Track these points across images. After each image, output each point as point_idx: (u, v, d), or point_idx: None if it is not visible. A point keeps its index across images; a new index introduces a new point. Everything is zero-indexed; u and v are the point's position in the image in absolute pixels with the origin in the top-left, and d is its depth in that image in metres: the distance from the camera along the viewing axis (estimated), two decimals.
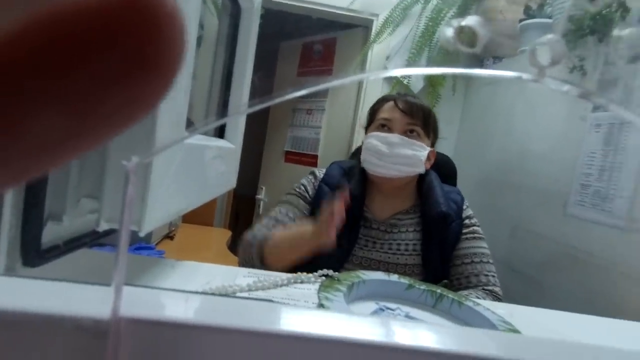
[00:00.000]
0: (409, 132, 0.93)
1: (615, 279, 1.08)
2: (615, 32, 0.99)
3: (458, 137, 2.14)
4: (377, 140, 0.92)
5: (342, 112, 2.27)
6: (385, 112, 0.95)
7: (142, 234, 0.27)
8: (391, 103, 0.95)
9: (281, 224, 0.93)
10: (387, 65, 2.10)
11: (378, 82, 2.12)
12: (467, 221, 0.96)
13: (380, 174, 0.93)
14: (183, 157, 0.33)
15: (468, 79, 2.09)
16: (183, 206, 0.37)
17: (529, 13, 1.69)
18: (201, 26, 0.53)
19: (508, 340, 0.20)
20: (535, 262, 1.41)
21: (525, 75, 0.15)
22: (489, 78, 1.96)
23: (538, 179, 1.46)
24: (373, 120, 0.98)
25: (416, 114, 0.93)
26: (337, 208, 0.72)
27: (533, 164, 1.50)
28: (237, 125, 0.59)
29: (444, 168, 1.18)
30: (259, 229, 0.92)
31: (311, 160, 2.38)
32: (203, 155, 0.40)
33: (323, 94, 2.43)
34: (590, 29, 1.36)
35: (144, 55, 0.08)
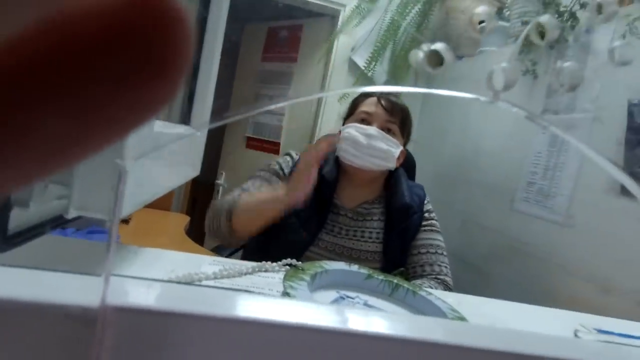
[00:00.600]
0: (387, 129, 0.96)
1: (552, 270, 1.18)
2: (558, 64, 1.09)
3: (417, 131, 2.20)
4: (355, 131, 0.95)
5: (306, 101, 2.27)
6: (367, 106, 0.98)
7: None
8: (374, 99, 0.99)
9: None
10: (352, 56, 2.12)
11: (343, 73, 2.14)
12: (427, 214, 1.02)
13: (355, 165, 0.96)
14: (150, 144, 0.33)
15: (429, 74, 2.15)
16: (151, 194, 0.37)
17: (489, 16, 1.76)
18: None
19: (454, 327, 0.22)
20: (483, 253, 1.50)
21: (482, 98, 0.16)
22: (450, 76, 2.02)
23: (489, 176, 1.54)
24: (353, 113, 1.01)
25: (396, 113, 0.96)
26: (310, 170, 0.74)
27: (485, 161, 1.59)
28: (202, 111, 0.58)
29: (405, 162, 1.22)
30: (228, 197, 0.92)
31: (273, 147, 2.37)
32: (169, 140, 0.40)
33: (286, 80, 2.42)
34: (542, 35, 1.45)
35: (152, 59, 0.08)
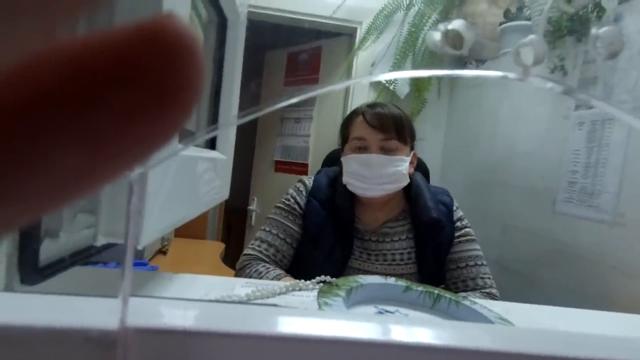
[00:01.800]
0: (386, 148, 0.91)
1: (605, 273, 1.10)
2: (593, 31, 1.02)
3: (445, 140, 2.16)
4: (356, 164, 0.91)
5: (330, 119, 2.29)
6: (358, 130, 0.93)
7: (140, 247, 0.27)
8: (361, 119, 0.93)
9: (272, 247, 0.94)
10: (373, 71, 2.12)
11: (364, 88, 2.14)
12: (458, 224, 0.97)
13: (366, 196, 0.93)
14: (177, 168, 0.33)
15: (453, 82, 2.12)
16: (179, 218, 0.37)
17: (508, 16, 1.73)
18: (202, 26, 0.54)
19: (502, 333, 0.21)
20: (527, 259, 1.42)
21: (511, 75, 0.15)
22: (474, 80, 1.98)
23: (526, 178, 1.48)
24: (347, 139, 0.97)
25: (388, 127, 0.90)
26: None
27: (520, 163, 1.53)
28: (227, 136, 0.59)
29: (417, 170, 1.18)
30: (250, 252, 0.93)
31: (301, 168, 2.38)
32: (196, 166, 0.40)
33: (310, 102, 2.44)
34: (568, 30, 1.40)
35: (163, 91, 0.08)
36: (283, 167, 2.51)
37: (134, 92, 0.07)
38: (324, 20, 2.13)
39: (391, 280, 0.48)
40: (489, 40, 1.86)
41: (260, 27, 2.17)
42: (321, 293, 0.40)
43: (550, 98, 1.43)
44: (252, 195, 2.64)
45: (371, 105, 0.95)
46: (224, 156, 0.56)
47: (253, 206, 2.59)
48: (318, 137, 2.37)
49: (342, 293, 0.40)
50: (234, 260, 1.39)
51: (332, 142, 2.26)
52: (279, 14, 2.11)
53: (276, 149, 2.55)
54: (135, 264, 0.90)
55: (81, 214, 0.28)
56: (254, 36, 2.03)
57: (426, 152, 1.45)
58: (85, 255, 0.29)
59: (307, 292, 0.47)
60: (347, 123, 0.98)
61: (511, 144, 1.59)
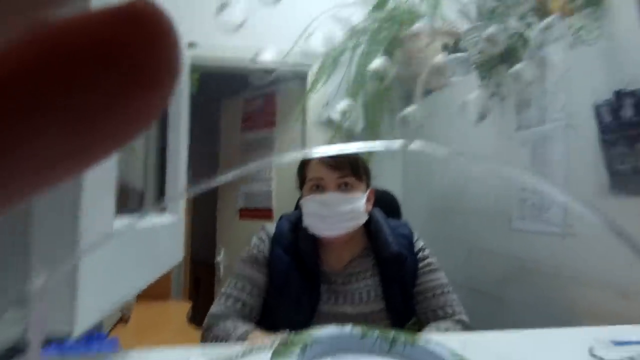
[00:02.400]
0: (343, 186, 0.93)
1: (564, 284, 1.14)
2: (510, 71, 1.13)
3: (403, 170, 2.23)
4: (314, 204, 0.93)
5: (291, 161, 2.31)
6: (314, 171, 0.95)
7: (75, 336, 0.26)
8: (316, 160, 0.95)
9: (239, 301, 0.92)
10: (327, 111, 2.18)
11: (321, 127, 2.19)
12: (420, 254, 0.99)
13: (326, 236, 0.94)
14: (115, 243, 0.32)
15: (405, 116, 2.21)
16: (123, 294, 0.36)
17: (447, 49, 1.85)
18: None
19: None
20: (493, 279, 1.46)
21: (395, 144, 0.17)
22: (425, 111, 2.07)
23: (483, 200, 1.54)
24: (304, 181, 0.99)
25: (343, 165, 0.92)
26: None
27: (475, 187, 1.59)
28: (176, 194, 0.59)
29: (386, 203, 1.21)
30: (215, 311, 0.91)
31: (266, 214, 2.37)
32: (140, 235, 0.40)
33: (269, 145, 2.47)
34: (500, 58, 1.51)
35: (144, 72, 0.08)
36: (248, 214, 2.48)
37: (114, 71, 0.08)
38: (274, 67, 2.19)
39: (347, 329, 0.48)
40: (433, 73, 1.97)
41: (215, 76, 2.20)
42: (275, 354, 0.39)
43: (495, 120, 1.52)
44: (219, 246, 2.59)
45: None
46: (173, 218, 0.56)
47: (220, 257, 2.52)
48: (280, 180, 2.38)
49: (297, 350, 0.40)
50: (203, 317, 1.35)
51: (295, 184, 2.28)
52: (230, 64, 2.16)
53: (239, 196, 2.54)
54: (92, 339, 0.85)
55: (11, 309, 0.27)
56: (209, 85, 2.05)
57: (387, 184, 1.49)
58: (19, 352, 0.27)
59: (265, 353, 0.46)
60: (303, 166, 1.00)
61: (464, 168, 1.66)
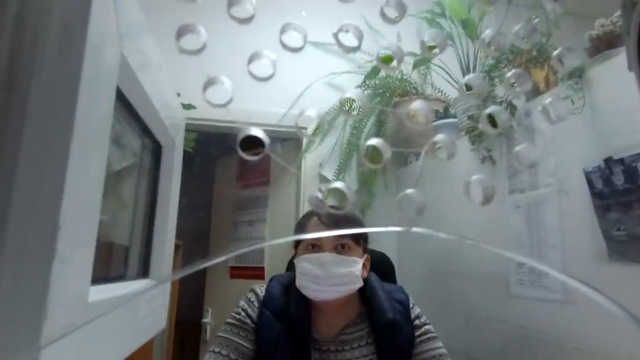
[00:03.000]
0: (340, 248, 0.91)
1: (570, 355, 1.08)
2: (514, 149, 1.16)
3: (398, 233, 2.21)
4: (309, 264, 0.90)
5: (283, 220, 2.29)
6: (313, 231, 0.94)
7: None
8: (315, 220, 0.95)
9: None
10: (321, 171, 2.20)
11: (314, 186, 2.20)
12: (417, 322, 0.95)
13: (319, 299, 0.90)
14: (87, 317, 0.30)
15: (399, 174, 2.24)
16: None
17: (437, 115, 1.92)
18: (133, 154, 0.54)
19: None
20: (492, 347, 1.39)
21: (396, 229, 0.16)
22: (419, 173, 2.10)
23: (479, 264, 1.51)
24: (301, 240, 0.97)
25: (343, 227, 0.91)
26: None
27: (471, 250, 1.57)
28: (162, 260, 0.56)
29: (381, 266, 1.18)
30: None
31: (258, 272, 2.30)
32: (117, 308, 0.37)
33: (263, 204, 2.46)
34: (490, 124, 1.56)
35: None
36: (238, 272, 2.41)
37: None
38: (271, 128, 2.24)
39: None
40: (422, 137, 2.02)
41: (211, 136, 2.24)
42: None
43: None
44: (207, 306, 2.48)
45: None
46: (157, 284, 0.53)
47: (208, 318, 2.41)
48: (272, 238, 2.34)
49: None
50: None
51: (285, 244, 2.24)
52: (227, 124, 2.21)
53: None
54: None
55: None
56: (205, 145, 2.08)
57: (382, 247, 1.47)
58: None
59: None
60: (302, 224, 0.98)
61: (458, 232, 1.65)
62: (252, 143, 0.29)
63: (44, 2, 0.29)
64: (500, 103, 1.49)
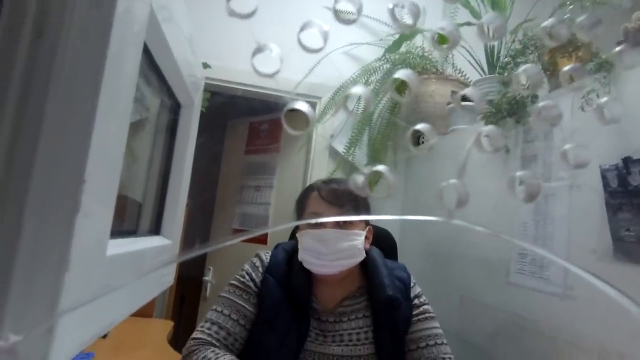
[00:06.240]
0: (342, 222, 0.91)
1: (561, 348, 1.10)
2: (536, 105, 1.13)
3: (402, 211, 2.21)
4: (312, 239, 0.90)
5: (291, 188, 2.30)
6: (313, 206, 0.93)
7: None
8: (316, 194, 0.94)
9: (223, 329, 0.88)
10: (332, 143, 2.19)
11: (323, 158, 2.19)
12: (416, 301, 0.96)
13: (322, 273, 0.91)
14: (105, 270, 0.30)
15: (408, 154, 2.22)
16: (108, 322, 0.34)
17: (453, 97, 1.88)
18: (146, 108, 0.53)
19: None
20: (485, 332, 1.41)
21: (436, 218, 0.16)
22: (428, 153, 2.08)
23: (481, 249, 1.52)
24: (302, 215, 0.97)
25: (343, 202, 0.91)
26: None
27: (474, 235, 1.57)
28: (174, 218, 0.57)
29: (384, 243, 1.19)
30: (198, 335, 0.87)
31: (261, 237, 2.33)
32: (132, 261, 0.38)
33: (271, 170, 2.46)
34: (507, 112, 1.53)
35: None
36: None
37: None
38: (284, 95, 2.21)
39: None
40: (438, 118, 1.99)
41: (224, 97, 2.22)
42: None
43: (496, 173, 1.51)
44: (208, 265, 2.53)
45: (326, 182, 0.97)
46: (169, 241, 0.54)
47: (209, 276, 2.47)
48: (278, 205, 2.36)
49: None
50: (184, 339, 1.31)
51: (292, 211, 2.25)
52: (241, 87, 2.18)
53: (235, 217, 2.51)
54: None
55: None
56: (217, 105, 2.07)
57: (384, 223, 1.48)
58: None
59: None
60: (303, 199, 0.98)
61: (464, 215, 1.64)
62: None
63: None
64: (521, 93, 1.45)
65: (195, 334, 0.89)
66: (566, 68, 0.33)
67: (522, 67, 0.36)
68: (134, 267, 0.38)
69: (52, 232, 0.24)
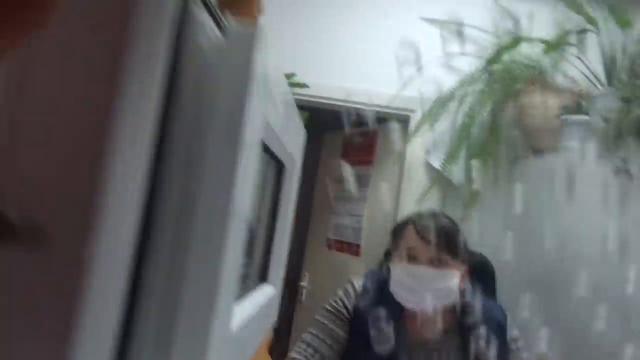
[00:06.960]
0: (436, 261, 0.90)
1: None
2: None
3: (504, 230, 2.09)
4: (405, 274, 0.91)
5: (384, 201, 2.32)
6: (408, 239, 0.94)
7: None
8: (412, 228, 0.94)
9: (318, 353, 0.95)
10: (428, 158, 2.16)
11: (419, 173, 2.17)
12: (513, 346, 0.93)
13: (413, 308, 0.92)
14: (230, 347, 0.37)
15: (511, 171, 2.09)
16: None
17: (567, 110, 1.73)
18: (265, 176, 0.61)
19: None
20: None
21: None
22: (534, 173, 1.94)
23: (594, 280, 1.37)
24: (397, 247, 0.98)
25: (439, 241, 0.90)
26: None
27: (590, 268, 1.41)
28: (279, 266, 0.64)
29: (481, 271, 1.15)
30: (296, 356, 0.95)
31: (354, 249, 2.39)
32: (249, 323, 0.45)
33: (365, 183, 2.50)
34: (629, 131, 1.37)
35: None
36: (336, 245, 2.53)
37: None
38: (379, 109, 2.24)
39: None
40: (545, 132, 1.84)
41: (320, 112, 2.31)
42: None
43: (619, 201, 1.36)
44: (305, 271, 2.67)
45: (422, 216, 0.97)
46: (274, 289, 0.61)
47: (305, 282, 2.60)
48: (370, 218, 2.39)
49: None
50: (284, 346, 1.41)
51: (384, 223, 2.26)
52: (337, 102, 2.26)
53: (330, 226, 2.60)
54: None
55: None
56: (312, 122, 2.17)
57: (483, 247, 1.42)
58: None
59: None
60: (398, 231, 1.00)
61: (573, 245, 1.50)
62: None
63: (213, 87, 0.35)
64: None
65: (292, 354, 0.97)
66: None
67: None
68: (251, 324, 0.46)
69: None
